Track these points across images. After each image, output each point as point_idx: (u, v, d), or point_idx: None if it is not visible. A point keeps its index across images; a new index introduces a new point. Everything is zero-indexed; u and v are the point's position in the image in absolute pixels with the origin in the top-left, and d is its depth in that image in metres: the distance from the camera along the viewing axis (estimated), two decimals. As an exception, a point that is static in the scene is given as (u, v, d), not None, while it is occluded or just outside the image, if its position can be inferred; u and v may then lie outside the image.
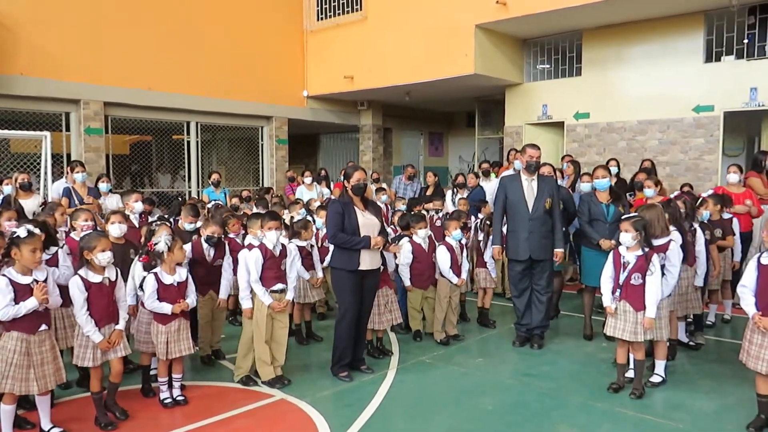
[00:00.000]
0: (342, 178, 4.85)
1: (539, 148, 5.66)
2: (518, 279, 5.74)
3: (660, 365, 4.77)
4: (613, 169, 7.76)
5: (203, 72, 11.31)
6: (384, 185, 10.69)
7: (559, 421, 4.07)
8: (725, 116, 9.28)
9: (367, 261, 4.73)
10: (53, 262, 4.18)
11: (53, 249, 4.19)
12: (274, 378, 4.66)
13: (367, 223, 4.73)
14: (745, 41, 9.14)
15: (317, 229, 6.40)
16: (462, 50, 10.36)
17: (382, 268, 5.06)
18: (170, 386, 4.38)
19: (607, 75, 10.39)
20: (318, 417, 4.10)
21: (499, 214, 5.83)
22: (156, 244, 4.28)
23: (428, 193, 9.55)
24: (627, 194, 7.38)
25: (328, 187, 10.88)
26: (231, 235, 5.54)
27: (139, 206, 5.95)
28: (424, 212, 7.02)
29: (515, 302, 5.86)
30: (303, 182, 10.42)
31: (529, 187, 5.60)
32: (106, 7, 10.01)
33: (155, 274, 4.28)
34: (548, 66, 11.41)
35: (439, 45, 10.69)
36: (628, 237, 4.44)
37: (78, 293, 3.84)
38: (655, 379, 4.72)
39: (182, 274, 4.37)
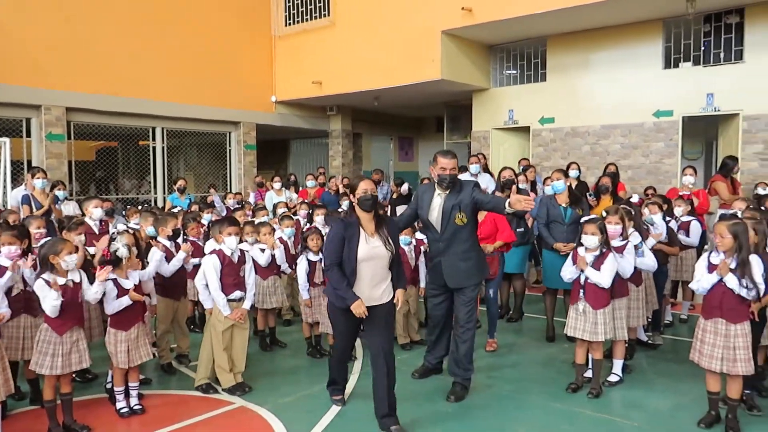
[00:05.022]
0: (348, 192, 3.97)
1: (455, 157, 4.47)
2: (432, 306, 4.84)
3: (618, 364, 4.86)
4: (574, 173, 7.89)
5: (169, 77, 11.19)
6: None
7: (518, 422, 4.11)
8: (684, 121, 9.52)
9: (364, 296, 3.82)
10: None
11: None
12: (234, 385, 4.61)
13: (370, 254, 3.78)
14: (702, 48, 9.39)
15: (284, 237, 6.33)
16: (429, 56, 10.44)
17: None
18: (127, 395, 4.31)
19: (571, 80, 10.57)
20: (277, 423, 4.07)
21: (401, 229, 5.11)
22: (115, 250, 4.21)
23: (395, 197, 9.60)
24: (587, 197, 7.49)
25: (297, 191, 10.86)
26: (191, 239, 5.48)
27: (98, 212, 5.87)
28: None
29: (427, 330, 5.28)
30: (272, 187, 10.37)
31: (439, 202, 4.49)
32: (68, 10, 9.85)
33: (113, 280, 4.21)
34: (514, 72, 11.57)
35: (406, 51, 10.76)
36: (594, 240, 4.53)
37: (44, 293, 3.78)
38: (613, 378, 4.81)
39: (136, 277, 4.31)
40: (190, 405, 4.47)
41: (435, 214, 4.48)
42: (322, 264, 3.96)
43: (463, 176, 7.84)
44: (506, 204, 4.09)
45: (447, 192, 4.45)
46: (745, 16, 8.91)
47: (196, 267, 4.97)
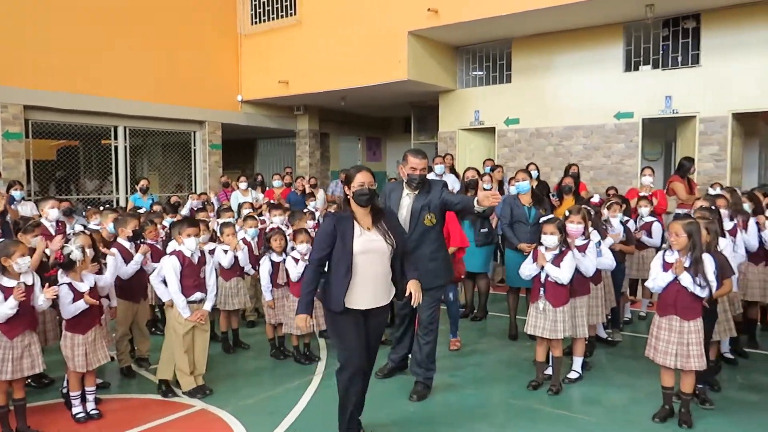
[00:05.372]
0: (343, 183, 3.64)
1: (426, 157, 4.46)
2: (399, 306, 4.85)
3: (577, 362, 4.95)
4: (533, 173, 8.00)
5: (132, 75, 10.97)
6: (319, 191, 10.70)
7: (479, 420, 4.15)
8: (644, 122, 9.74)
9: (364, 296, 3.46)
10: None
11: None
12: (194, 388, 4.56)
13: (367, 247, 3.44)
14: (661, 52, 9.63)
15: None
16: (395, 56, 10.47)
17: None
18: (84, 400, 4.22)
19: (536, 82, 10.72)
20: (238, 426, 4.04)
21: None
22: (69, 253, 4.11)
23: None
24: (550, 197, 7.61)
25: (264, 192, 10.77)
26: (149, 242, 5.39)
27: (54, 213, 5.73)
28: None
29: (392, 329, 5.24)
30: (238, 187, 10.27)
31: (408, 202, 4.49)
32: (27, 5, 9.58)
33: (69, 284, 4.11)
34: (480, 73, 11.68)
35: (372, 51, 10.77)
36: (553, 239, 4.60)
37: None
38: (572, 375, 4.90)
39: (91, 279, 4.22)
40: (149, 409, 4.39)
41: (404, 214, 4.45)
42: (309, 260, 3.60)
43: (429, 176, 7.88)
44: (474, 202, 4.10)
45: (416, 192, 4.43)
46: (701, 22, 9.16)
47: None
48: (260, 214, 7.66)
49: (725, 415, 4.17)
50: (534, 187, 6.46)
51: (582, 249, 4.81)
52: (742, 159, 9.89)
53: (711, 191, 5.06)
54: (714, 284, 3.95)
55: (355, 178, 3.48)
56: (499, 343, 6.04)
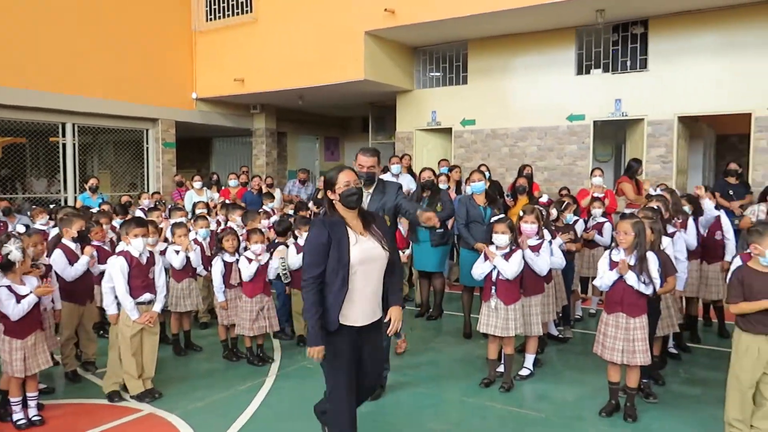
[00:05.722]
0: (323, 187, 3.19)
1: (376, 154, 4.41)
2: None
3: (529, 359, 5.04)
4: (485, 174, 8.09)
5: (81, 70, 10.63)
6: (276, 191, 10.60)
7: (431, 418, 4.18)
8: (595, 125, 9.98)
9: (362, 311, 3.10)
10: None
11: None
12: (143, 392, 4.45)
13: (366, 256, 3.07)
14: (611, 56, 9.89)
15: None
16: (352, 56, 10.45)
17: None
18: (25, 406, 4.06)
19: (491, 84, 10.86)
20: (187, 429, 3.96)
21: None
22: (7, 253, 3.96)
23: (319, 197, 9.54)
24: (503, 197, 7.73)
25: (219, 191, 10.61)
26: (96, 243, 5.23)
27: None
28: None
29: None
30: (192, 187, 10.09)
31: (364, 202, 4.27)
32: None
33: (8, 287, 3.96)
34: (437, 74, 11.77)
35: (330, 50, 10.72)
36: (504, 238, 4.67)
37: None
38: (524, 372, 4.98)
39: (33, 282, 4.07)
40: (95, 414, 4.27)
41: None
42: (302, 279, 3.08)
43: (385, 176, 7.90)
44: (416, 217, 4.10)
45: (371, 192, 4.41)
46: (649, 28, 9.45)
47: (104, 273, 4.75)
48: (215, 214, 7.54)
49: (668, 409, 4.31)
50: (487, 187, 6.54)
51: (536, 249, 4.89)
52: (688, 161, 10.24)
53: (652, 191, 5.21)
54: (658, 282, 4.07)
55: (338, 179, 3.10)
56: (454, 341, 6.10)
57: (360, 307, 3.09)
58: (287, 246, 5.90)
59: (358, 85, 10.98)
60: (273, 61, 11.48)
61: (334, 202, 3.13)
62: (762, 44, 8.53)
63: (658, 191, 5.20)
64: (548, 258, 4.94)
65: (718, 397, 3.95)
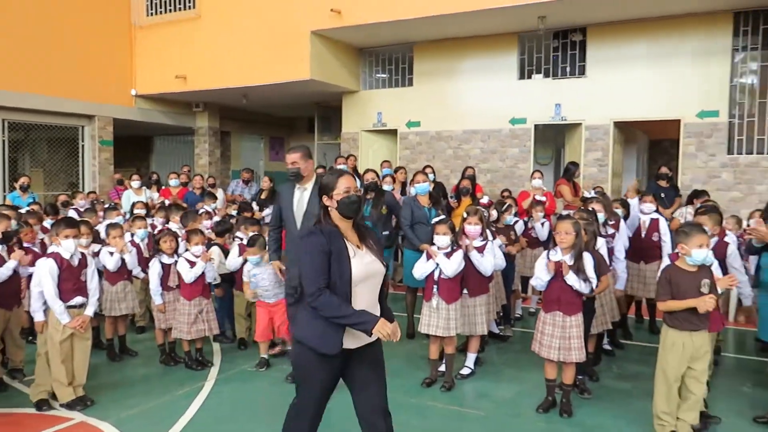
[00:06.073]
0: (319, 192, 2.89)
1: (299, 150, 4.45)
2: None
3: (471, 358, 5.11)
4: (430, 176, 8.19)
5: (12, 64, 10.12)
6: (218, 191, 10.40)
7: (373, 419, 4.17)
8: (536, 128, 10.25)
9: (356, 333, 2.78)
10: None
11: None
12: (73, 399, 4.27)
13: (367, 272, 2.79)
14: (551, 62, 10.17)
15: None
16: (298, 55, 10.36)
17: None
18: (-58, 418, 3.84)
19: (437, 86, 10.98)
20: (120, 437, 3.83)
21: (273, 228, 4.80)
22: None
23: (263, 197, 9.43)
24: (447, 198, 7.83)
25: (159, 190, 10.31)
26: (26, 245, 4.99)
27: None
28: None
29: None
30: (131, 186, 9.76)
31: (300, 198, 4.49)
32: None
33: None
34: (383, 75, 11.81)
35: (275, 48, 10.59)
36: (446, 239, 4.72)
37: None
38: (465, 371, 5.05)
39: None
40: (22, 424, 4.07)
41: (294, 211, 4.48)
42: (308, 294, 2.73)
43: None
44: None
45: (308, 189, 4.44)
46: (587, 35, 9.77)
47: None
48: (151, 215, 7.31)
49: (601, 403, 4.46)
50: (431, 189, 6.61)
51: (480, 250, 4.96)
52: (623, 164, 10.64)
53: (586, 194, 5.40)
54: (594, 280, 4.21)
55: (337, 184, 2.78)
56: (397, 341, 6.10)
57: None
58: (221, 247, 5.82)
59: (303, 84, 10.90)
60: (216, 59, 11.25)
61: (329, 209, 2.83)
62: (690, 54, 8.96)
63: (593, 194, 5.38)
64: (492, 259, 5.03)
65: (648, 390, 4.11)
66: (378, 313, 2.83)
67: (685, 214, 6.74)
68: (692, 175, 9.01)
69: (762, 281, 4.09)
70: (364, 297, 2.78)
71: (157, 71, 12.01)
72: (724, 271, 4.47)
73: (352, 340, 2.78)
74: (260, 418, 4.07)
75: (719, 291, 3.75)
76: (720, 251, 4.60)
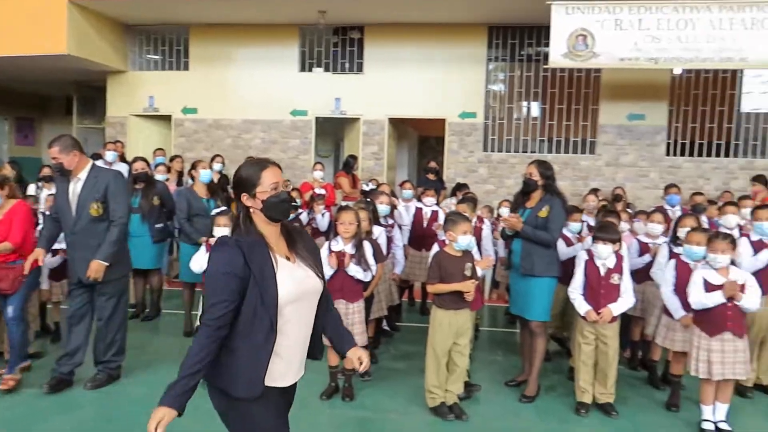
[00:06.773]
0: (237, 190, 2.17)
1: (58, 142, 4.16)
2: (76, 308, 4.42)
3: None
4: (218, 166, 7.88)
5: None
6: None
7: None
8: (317, 121, 10.44)
9: (291, 366, 2.20)
10: None
11: None
12: None
13: (300, 291, 2.16)
14: (332, 57, 10.43)
15: None
16: (53, 26, 9.09)
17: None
18: None
19: (215, 73, 10.54)
20: None
21: (46, 224, 4.51)
22: None
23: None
24: (226, 191, 7.57)
25: None
26: None
27: None
28: None
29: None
30: None
31: (74, 190, 4.25)
32: None
33: None
34: (156, 57, 10.97)
35: (25, 17, 9.12)
36: (225, 231, 4.53)
37: None
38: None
39: None
40: None
41: (72, 201, 4.26)
42: (204, 321, 2.05)
43: (98, 164, 7.05)
44: None
45: (81, 180, 4.23)
46: (365, 34, 10.20)
47: None
48: None
49: (380, 384, 4.70)
50: (217, 180, 6.36)
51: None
52: (396, 158, 11.38)
53: (364, 187, 5.66)
54: (374, 268, 4.40)
55: (261, 179, 2.12)
56: (174, 341, 5.74)
57: (287, 360, 2.17)
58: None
59: (60, 59, 9.60)
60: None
61: (252, 212, 2.16)
62: (454, 60, 9.90)
63: (370, 186, 5.63)
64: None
65: (421, 368, 4.42)
66: (307, 343, 2.27)
67: (449, 204, 7.42)
68: (455, 170, 9.99)
69: (513, 263, 4.66)
70: (295, 323, 2.17)
71: None
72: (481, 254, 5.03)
73: (278, 378, 2.16)
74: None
75: (480, 273, 4.18)
76: (476, 236, 5.15)
